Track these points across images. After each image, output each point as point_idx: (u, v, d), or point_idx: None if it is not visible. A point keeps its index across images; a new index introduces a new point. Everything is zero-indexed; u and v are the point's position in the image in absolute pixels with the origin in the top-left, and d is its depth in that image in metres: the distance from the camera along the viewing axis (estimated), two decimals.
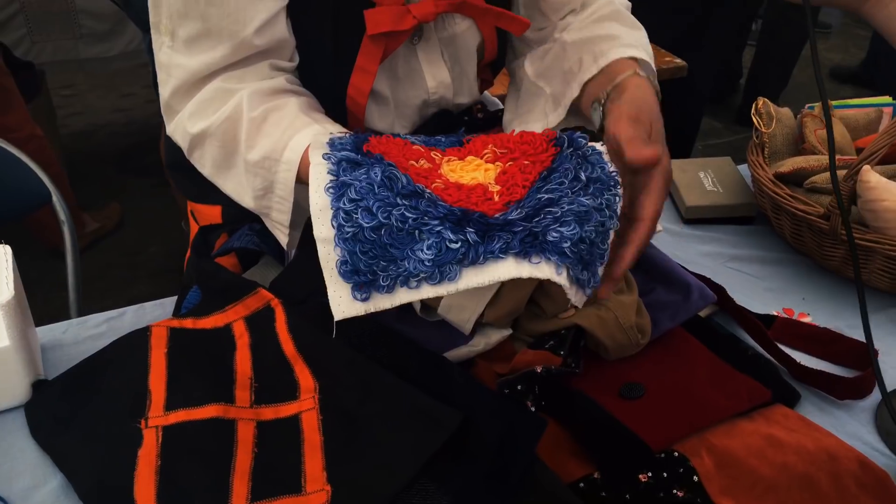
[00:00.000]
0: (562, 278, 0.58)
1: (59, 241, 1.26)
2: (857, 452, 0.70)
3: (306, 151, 0.70)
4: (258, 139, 0.74)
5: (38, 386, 0.74)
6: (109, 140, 3.14)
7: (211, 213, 0.90)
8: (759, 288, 0.98)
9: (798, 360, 0.85)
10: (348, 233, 0.57)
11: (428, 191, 0.59)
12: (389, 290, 0.57)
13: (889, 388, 0.82)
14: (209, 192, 0.80)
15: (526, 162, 0.65)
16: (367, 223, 0.57)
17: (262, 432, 0.69)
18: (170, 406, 0.70)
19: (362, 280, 0.57)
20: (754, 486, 0.66)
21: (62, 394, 0.73)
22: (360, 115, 0.84)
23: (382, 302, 0.58)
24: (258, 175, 0.74)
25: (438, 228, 0.56)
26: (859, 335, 0.89)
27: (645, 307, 0.79)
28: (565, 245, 0.57)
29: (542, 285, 0.75)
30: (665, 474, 0.66)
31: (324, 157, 0.64)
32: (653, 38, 1.88)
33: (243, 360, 0.77)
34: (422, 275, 0.56)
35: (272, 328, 0.77)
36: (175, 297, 0.89)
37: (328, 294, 0.59)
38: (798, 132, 1.11)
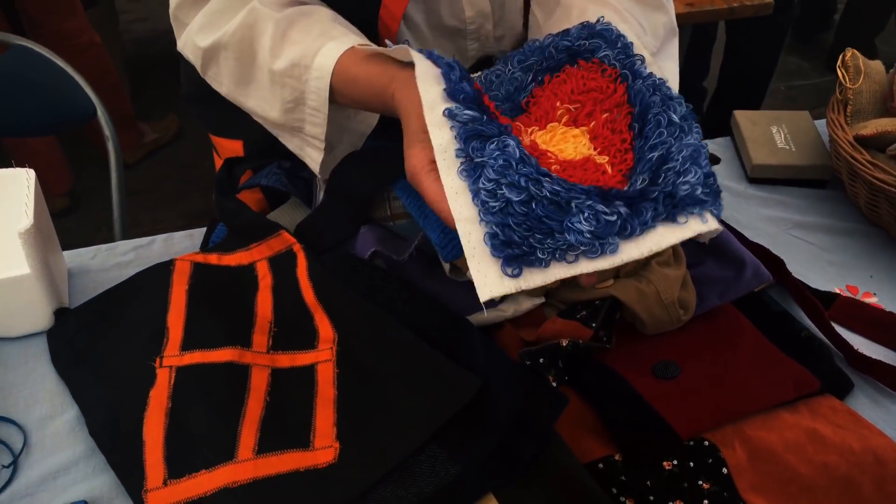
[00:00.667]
0: (710, 223, 0.56)
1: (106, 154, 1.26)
2: None
3: (342, 58, 0.64)
4: (284, 46, 0.67)
5: (60, 314, 0.74)
6: (172, 48, 3.11)
7: (233, 147, 0.87)
8: (822, 261, 0.90)
9: (856, 346, 0.79)
10: (494, 207, 0.53)
11: (553, 174, 0.55)
12: (546, 264, 0.53)
13: None
14: (230, 125, 0.75)
15: (605, 115, 0.62)
16: (516, 197, 0.53)
17: (276, 380, 0.68)
18: (186, 346, 0.69)
19: (516, 252, 0.53)
20: (788, 485, 0.61)
21: (82, 324, 0.73)
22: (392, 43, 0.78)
23: (535, 278, 0.53)
24: (286, 85, 0.68)
25: (589, 202, 0.53)
26: None
27: (692, 281, 0.73)
28: (697, 192, 0.56)
29: None
30: (692, 464, 0.62)
31: (447, 115, 0.57)
32: None
33: (264, 303, 0.74)
34: (582, 248, 0.53)
35: (293, 273, 0.75)
36: (204, 229, 0.87)
37: (471, 273, 0.54)
38: (888, 89, 1.00)
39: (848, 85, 0.98)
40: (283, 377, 0.68)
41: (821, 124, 1.08)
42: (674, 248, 0.73)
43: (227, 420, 0.63)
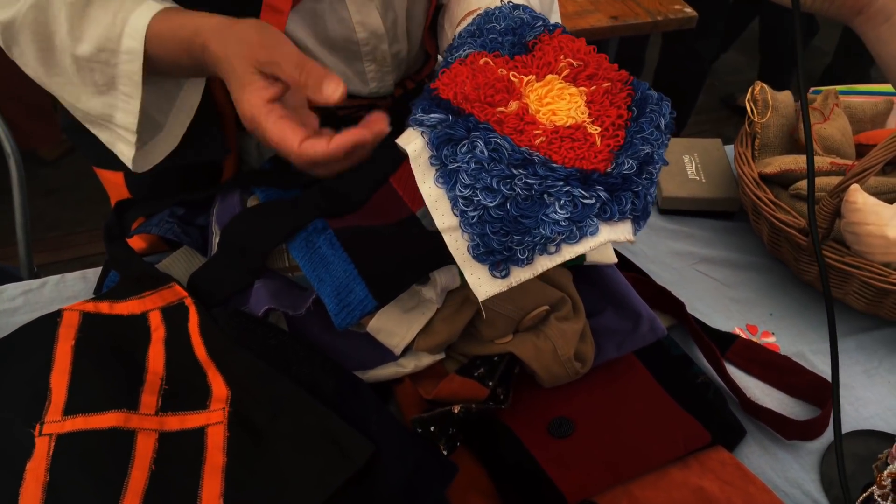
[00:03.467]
0: (634, 235, 0.58)
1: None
2: None
3: (148, 31, 0.61)
4: (85, 27, 0.63)
5: None
6: None
7: (114, 180, 0.83)
8: (725, 298, 0.92)
9: (753, 389, 0.81)
10: (473, 217, 0.54)
11: (535, 154, 0.56)
12: (529, 261, 0.55)
13: (846, 430, 0.77)
14: (111, 156, 0.71)
15: (607, 84, 0.62)
16: (491, 202, 0.53)
17: (163, 447, 0.65)
18: (68, 410, 0.66)
19: (498, 258, 0.55)
20: None
21: None
22: None
23: (523, 274, 0.55)
24: (95, 70, 0.64)
25: (566, 188, 0.54)
26: (822, 360, 0.85)
27: (592, 331, 0.73)
28: (649, 207, 0.59)
29: (480, 311, 0.70)
30: None
31: (413, 123, 0.57)
32: None
33: (156, 357, 0.72)
34: (559, 237, 0.54)
35: (185, 327, 0.72)
36: (99, 269, 0.84)
37: (466, 278, 0.55)
38: (795, 123, 1.02)
39: (756, 119, 0.99)
40: (170, 443, 0.66)
41: (732, 151, 1.10)
42: (573, 300, 0.74)
43: (107, 495, 0.61)
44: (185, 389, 0.70)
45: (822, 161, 0.94)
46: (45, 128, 2.30)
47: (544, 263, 0.55)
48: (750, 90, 1.01)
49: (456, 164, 0.55)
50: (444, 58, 0.64)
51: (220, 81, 0.76)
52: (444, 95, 0.58)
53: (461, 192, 0.54)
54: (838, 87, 1.08)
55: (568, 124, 0.59)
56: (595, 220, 0.54)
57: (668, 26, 1.54)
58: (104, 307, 0.75)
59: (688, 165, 1.06)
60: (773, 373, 0.82)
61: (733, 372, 0.82)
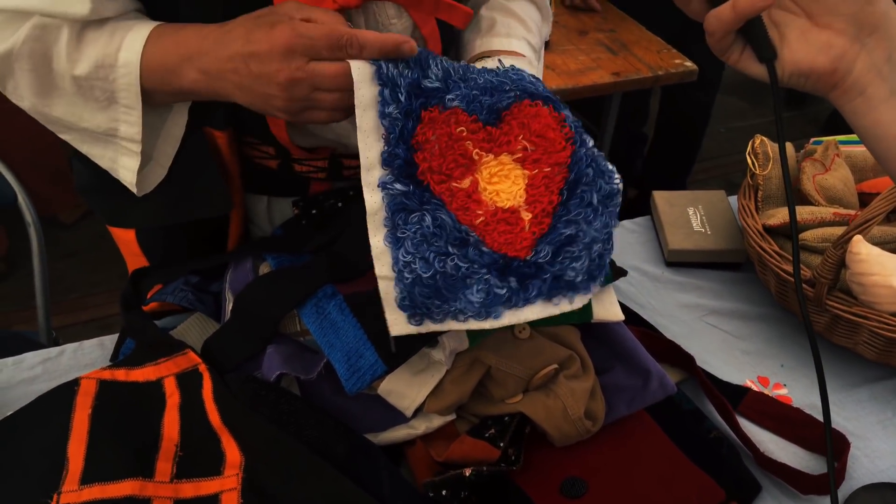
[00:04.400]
0: (575, 304, 0.66)
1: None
2: None
3: (146, 47, 0.65)
4: (82, 48, 0.66)
5: None
6: None
7: (126, 237, 0.85)
8: (736, 350, 0.92)
9: (766, 442, 0.81)
10: (408, 279, 0.62)
11: (473, 235, 0.64)
12: (441, 321, 0.63)
13: (860, 483, 0.76)
14: (121, 215, 0.73)
15: (547, 169, 0.68)
16: (425, 273, 0.61)
17: None
18: (85, 479, 0.67)
19: (418, 312, 0.63)
20: None
21: None
22: (280, 123, 0.77)
23: (433, 327, 0.63)
24: (95, 87, 0.67)
25: (486, 276, 0.63)
26: (836, 412, 0.85)
27: (602, 388, 0.74)
28: (578, 280, 0.65)
29: (490, 372, 0.71)
30: None
31: (380, 185, 0.63)
32: (657, 30, 1.77)
33: (171, 423, 0.73)
34: (469, 313, 0.63)
35: (199, 394, 0.73)
36: (116, 335, 0.86)
37: (386, 316, 0.63)
38: (798, 174, 1.03)
39: (757, 171, 1.01)
40: None
41: (736, 202, 1.11)
42: (582, 358, 0.74)
43: None
44: (199, 456, 0.70)
45: (825, 211, 0.95)
46: (63, 193, 2.35)
47: (453, 325, 0.63)
48: (750, 143, 1.03)
49: (404, 234, 0.62)
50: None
51: (228, 142, 0.79)
52: (419, 160, 0.64)
53: (403, 257, 0.62)
54: (838, 137, 1.09)
55: (506, 207, 0.66)
56: (501, 308, 0.63)
57: (670, 80, 1.58)
58: (120, 374, 0.77)
59: (693, 218, 1.07)
60: (786, 426, 0.81)
61: (746, 426, 0.81)
